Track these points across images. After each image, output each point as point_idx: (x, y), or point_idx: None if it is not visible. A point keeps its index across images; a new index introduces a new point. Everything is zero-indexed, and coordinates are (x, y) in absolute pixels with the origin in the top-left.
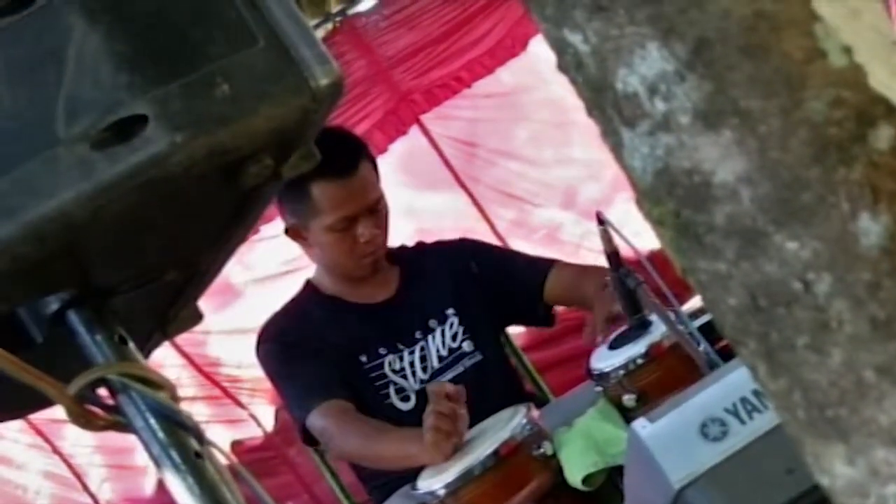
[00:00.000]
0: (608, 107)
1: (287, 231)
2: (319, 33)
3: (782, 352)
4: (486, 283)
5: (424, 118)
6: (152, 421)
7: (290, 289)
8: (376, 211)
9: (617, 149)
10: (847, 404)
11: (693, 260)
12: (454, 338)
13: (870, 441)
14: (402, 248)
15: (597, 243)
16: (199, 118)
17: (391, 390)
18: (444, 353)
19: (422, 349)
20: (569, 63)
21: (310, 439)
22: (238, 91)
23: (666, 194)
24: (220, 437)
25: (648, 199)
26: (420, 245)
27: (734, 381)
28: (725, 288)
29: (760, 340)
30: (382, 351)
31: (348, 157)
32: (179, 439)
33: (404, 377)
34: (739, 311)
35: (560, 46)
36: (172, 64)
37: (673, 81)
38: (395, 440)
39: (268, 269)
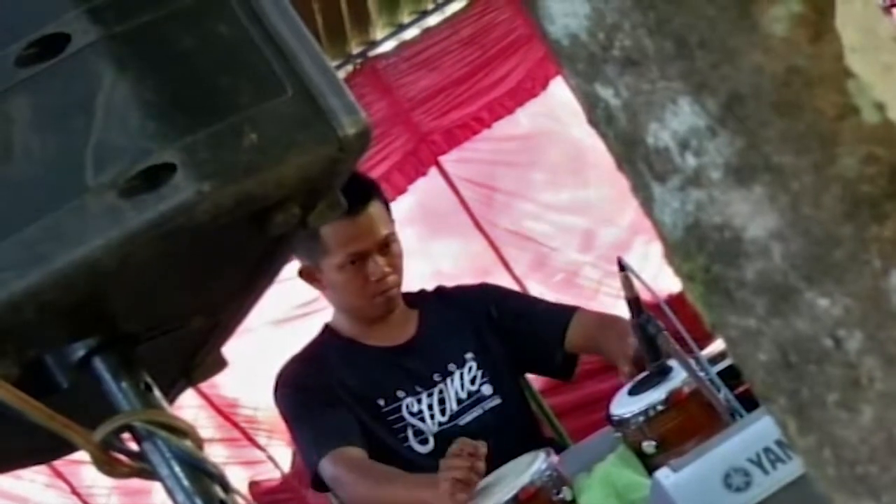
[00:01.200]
0: (639, 161)
1: (301, 273)
2: (340, 75)
3: (813, 409)
4: (505, 328)
5: (443, 160)
6: (177, 468)
7: (305, 331)
8: (387, 250)
9: (647, 203)
10: (878, 462)
11: (723, 316)
12: (473, 381)
13: None
14: (423, 293)
15: (616, 287)
16: (226, 167)
17: (409, 433)
18: (462, 396)
19: (440, 392)
20: (600, 117)
21: (320, 485)
22: (266, 140)
23: (696, 249)
24: (238, 477)
25: (678, 253)
26: (440, 289)
27: (757, 431)
28: (756, 344)
29: (791, 397)
30: (400, 394)
31: (356, 196)
32: (204, 487)
33: (422, 420)
34: (770, 368)
35: (591, 101)
36: (201, 113)
37: (704, 137)
38: (408, 486)
39: (284, 312)
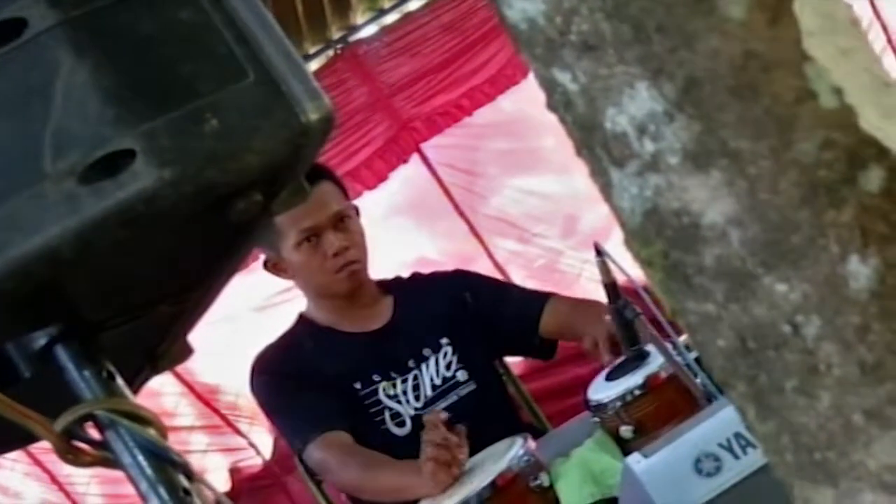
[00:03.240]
0: (597, 146)
1: (266, 265)
2: (320, 60)
3: (771, 395)
4: (480, 314)
5: (424, 146)
6: (140, 457)
7: (286, 317)
8: (342, 225)
9: (606, 189)
10: (836, 448)
11: (682, 301)
12: (448, 367)
13: (858, 485)
14: (398, 279)
15: (597, 273)
16: (187, 153)
17: (387, 416)
18: (437, 381)
19: (415, 378)
20: (558, 102)
21: (308, 470)
22: (227, 126)
23: (655, 235)
24: (219, 464)
25: (637, 239)
26: (415, 276)
27: (728, 416)
28: (714, 330)
29: (749, 383)
30: (376, 378)
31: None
32: (167, 476)
33: (399, 403)
34: (728, 354)
35: (549, 86)
36: (161, 98)
37: (662, 121)
38: (395, 472)
39: (264, 298)
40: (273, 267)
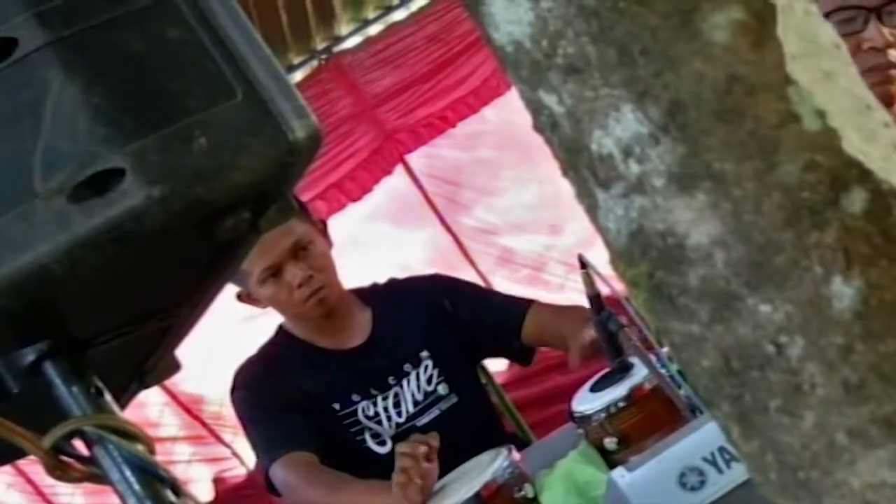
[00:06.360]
0: (583, 168)
1: (239, 298)
2: (305, 71)
3: (755, 414)
4: (460, 322)
5: (409, 156)
6: (128, 473)
7: (271, 327)
8: (304, 253)
9: (591, 210)
10: (819, 467)
11: (667, 321)
12: (429, 381)
13: None
14: (374, 288)
15: (581, 283)
16: (176, 172)
17: (367, 435)
18: (419, 397)
19: (395, 395)
20: (544, 124)
21: (274, 489)
22: (216, 144)
23: (640, 256)
24: (203, 474)
25: (623, 260)
26: (391, 282)
27: (713, 429)
28: (699, 350)
29: (733, 402)
30: (356, 398)
31: None
32: (155, 492)
33: (379, 423)
34: (713, 373)
35: (535, 107)
36: (150, 117)
37: (647, 144)
38: (360, 492)
39: (250, 308)
40: (246, 298)
